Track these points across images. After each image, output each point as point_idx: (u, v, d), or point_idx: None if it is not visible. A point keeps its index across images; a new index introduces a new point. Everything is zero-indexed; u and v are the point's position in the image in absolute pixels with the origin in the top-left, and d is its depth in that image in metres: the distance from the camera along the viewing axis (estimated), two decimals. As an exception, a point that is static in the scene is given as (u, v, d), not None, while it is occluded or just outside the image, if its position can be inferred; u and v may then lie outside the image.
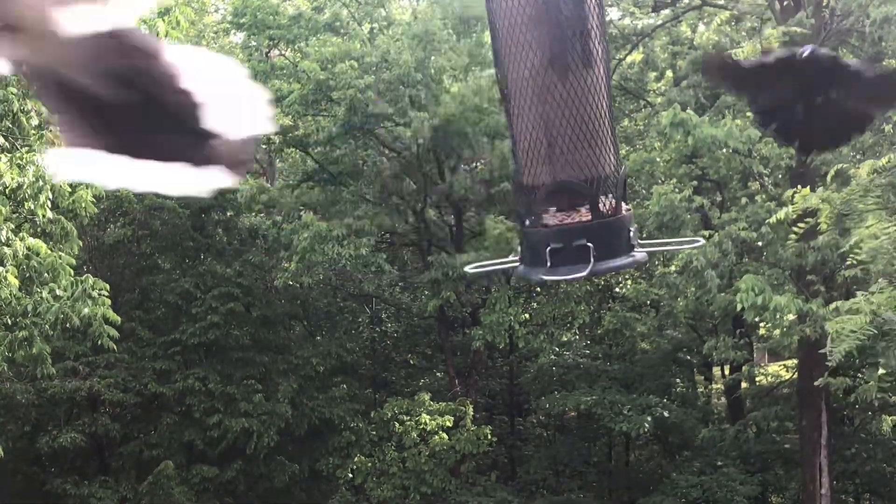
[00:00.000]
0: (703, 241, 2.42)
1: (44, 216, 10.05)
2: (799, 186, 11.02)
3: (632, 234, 1.96)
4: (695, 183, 15.50)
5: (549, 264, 1.91)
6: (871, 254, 9.46)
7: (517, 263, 2.02)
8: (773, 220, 11.73)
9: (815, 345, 13.46)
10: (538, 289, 19.86)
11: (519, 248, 2.03)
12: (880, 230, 9.40)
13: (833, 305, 10.51)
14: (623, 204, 1.99)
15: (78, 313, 10.35)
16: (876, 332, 9.08)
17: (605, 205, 1.95)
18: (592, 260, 1.89)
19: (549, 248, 1.91)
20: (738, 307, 12.38)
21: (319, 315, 21.06)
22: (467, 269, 2.31)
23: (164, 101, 1.19)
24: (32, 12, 1.10)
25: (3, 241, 9.72)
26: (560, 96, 1.93)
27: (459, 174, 17.93)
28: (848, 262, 10.83)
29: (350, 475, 18.02)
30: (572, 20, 1.92)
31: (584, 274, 1.90)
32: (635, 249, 1.96)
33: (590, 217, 1.94)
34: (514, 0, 1.92)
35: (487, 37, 21.29)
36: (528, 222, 1.99)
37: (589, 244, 1.90)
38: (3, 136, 10.07)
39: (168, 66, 1.18)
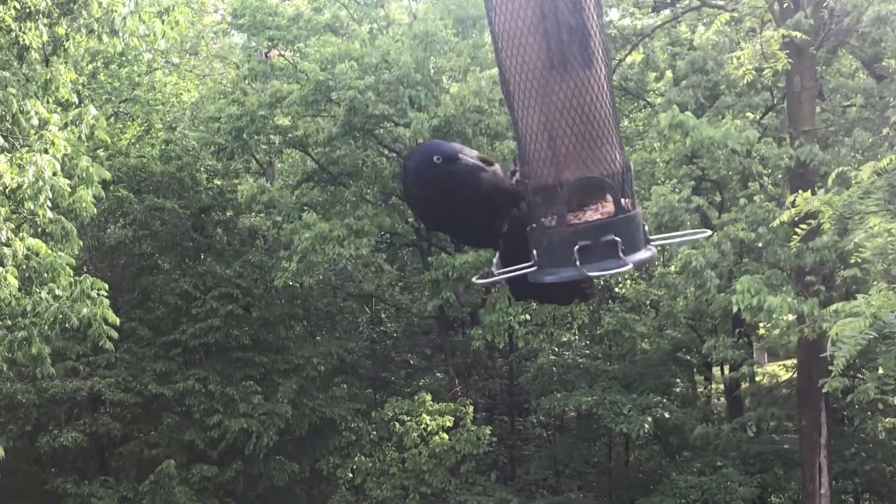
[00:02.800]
0: (709, 232, 2.40)
1: (44, 216, 10.06)
2: (800, 191, 11.04)
3: (646, 228, 2.00)
4: (693, 183, 15.50)
5: (578, 263, 1.92)
6: (875, 252, 9.46)
7: (532, 268, 2.02)
8: (775, 223, 11.73)
9: (814, 345, 13.48)
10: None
11: (535, 253, 2.01)
12: (883, 229, 9.40)
13: (833, 307, 10.51)
14: (634, 200, 2.01)
15: (77, 313, 10.36)
16: (876, 335, 9.08)
17: (623, 201, 1.97)
18: (622, 254, 1.91)
19: (577, 247, 1.92)
20: (735, 309, 12.38)
21: (319, 315, 21.07)
22: (475, 279, 2.32)
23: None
24: None
25: (4, 241, 9.73)
26: (561, 96, 1.94)
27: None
28: (852, 261, 10.84)
29: (350, 475, 18.04)
30: (570, 23, 1.94)
31: (628, 267, 1.92)
32: (650, 244, 2.00)
33: (613, 212, 1.96)
34: (514, 3, 1.94)
35: (487, 37, 21.28)
36: (546, 223, 1.99)
37: (617, 238, 1.92)
38: (3, 136, 10.08)
39: None
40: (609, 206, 1.97)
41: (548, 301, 2.63)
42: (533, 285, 2.27)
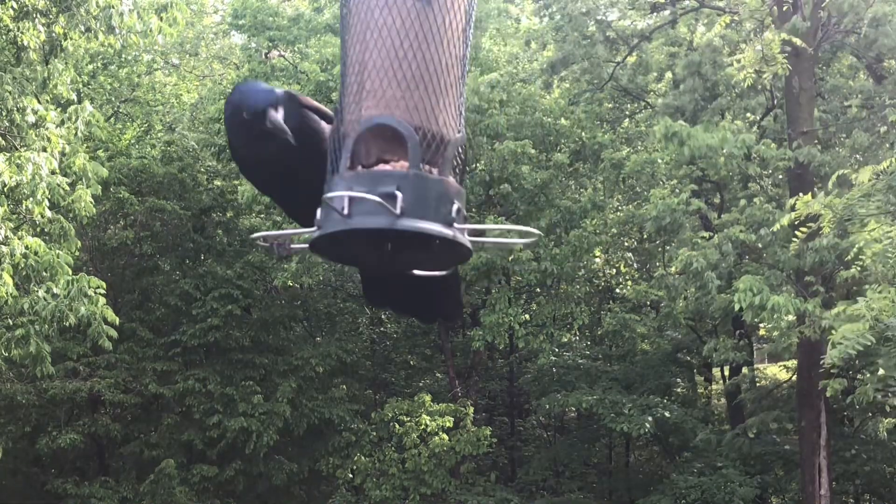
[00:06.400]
0: (532, 238, 2.00)
1: (42, 215, 10.05)
2: (800, 193, 11.03)
3: (455, 210, 1.67)
4: (693, 186, 15.48)
5: (346, 213, 1.61)
6: (875, 259, 9.45)
7: (314, 230, 1.70)
8: (776, 227, 11.72)
9: (814, 346, 13.48)
10: (538, 289, 19.84)
11: (318, 212, 1.69)
12: (883, 234, 9.39)
13: (835, 310, 10.50)
14: (453, 176, 1.72)
15: (76, 312, 10.34)
16: (875, 340, 9.07)
17: (424, 165, 1.68)
18: (399, 210, 1.60)
19: (349, 195, 1.62)
20: (737, 307, 12.37)
21: (319, 316, 21.06)
22: (254, 235, 1.95)
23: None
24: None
25: (1, 240, 9.72)
26: (380, 23, 1.70)
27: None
28: (852, 267, 10.81)
29: (350, 475, 18.02)
30: None
31: (382, 225, 1.60)
32: (456, 225, 1.67)
33: (405, 166, 1.66)
34: None
35: (486, 39, 21.22)
36: (334, 171, 1.71)
37: (397, 192, 1.61)
38: (2, 135, 10.07)
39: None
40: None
41: (407, 312, 2.26)
42: (391, 291, 2.00)
